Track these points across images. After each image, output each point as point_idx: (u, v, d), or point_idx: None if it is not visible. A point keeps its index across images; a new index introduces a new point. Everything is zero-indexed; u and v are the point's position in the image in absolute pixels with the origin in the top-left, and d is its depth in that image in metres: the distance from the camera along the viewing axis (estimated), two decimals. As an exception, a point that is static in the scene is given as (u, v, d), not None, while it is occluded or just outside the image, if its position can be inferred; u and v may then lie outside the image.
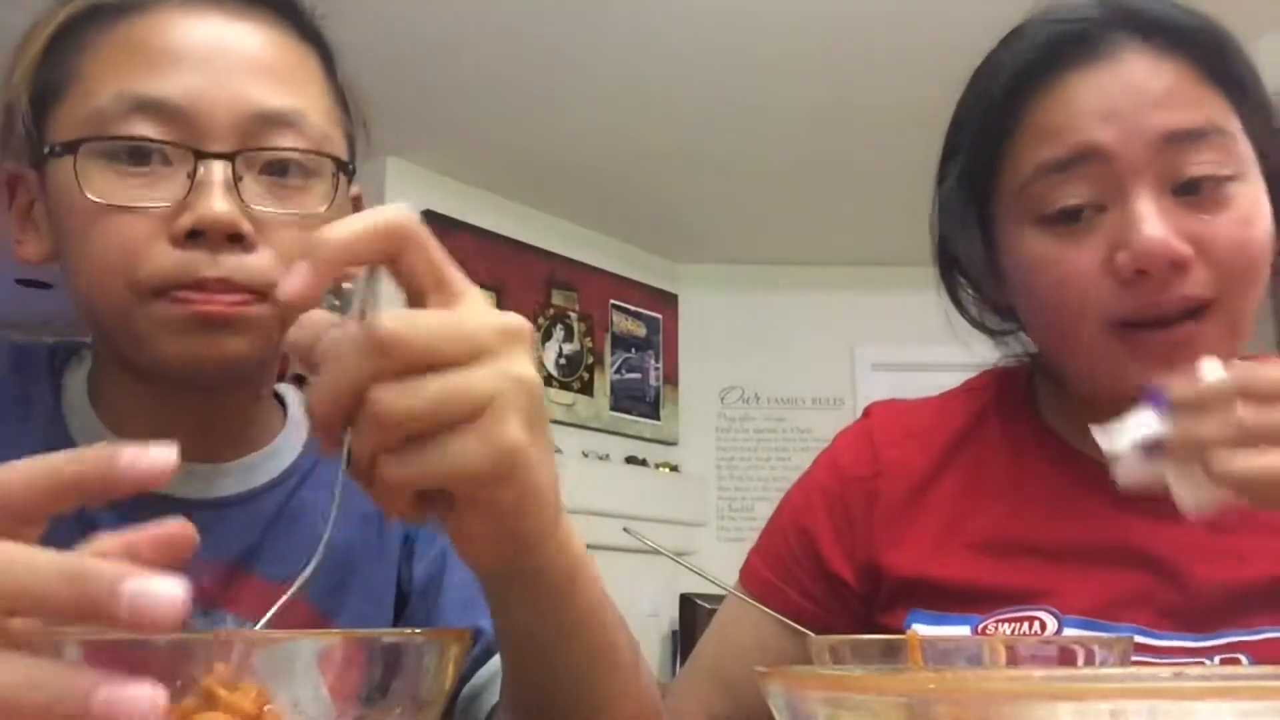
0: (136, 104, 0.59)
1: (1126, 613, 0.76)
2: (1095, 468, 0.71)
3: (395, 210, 0.41)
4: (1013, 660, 0.56)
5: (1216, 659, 0.74)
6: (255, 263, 0.59)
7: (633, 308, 4.45)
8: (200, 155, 0.59)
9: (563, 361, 4.13)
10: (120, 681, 0.29)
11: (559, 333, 4.15)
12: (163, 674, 0.31)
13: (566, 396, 4.10)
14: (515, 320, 0.43)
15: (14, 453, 0.64)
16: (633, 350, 4.42)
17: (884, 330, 4.41)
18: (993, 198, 0.81)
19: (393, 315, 0.39)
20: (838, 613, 0.85)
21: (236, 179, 0.59)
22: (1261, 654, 0.73)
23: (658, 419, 4.43)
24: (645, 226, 4.30)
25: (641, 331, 4.47)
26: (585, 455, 4.06)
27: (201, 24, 0.62)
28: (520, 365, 0.42)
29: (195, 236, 0.58)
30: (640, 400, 4.39)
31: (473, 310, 0.42)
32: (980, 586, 0.79)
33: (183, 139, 0.59)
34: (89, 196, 0.58)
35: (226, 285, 0.58)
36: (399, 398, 0.39)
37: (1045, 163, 0.75)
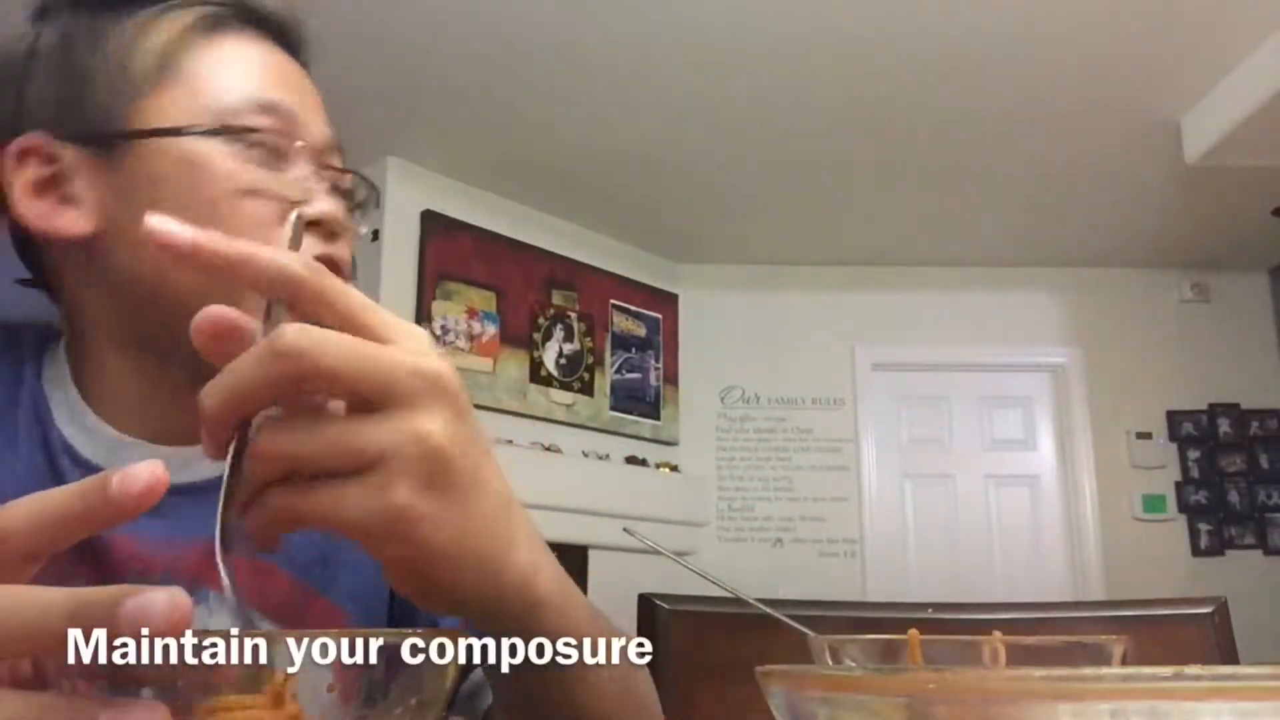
0: (262, 107, 0.66)
1: None
2: None
3: (287, 260, 0.40)
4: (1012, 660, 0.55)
5: None
6: (342, 254, 0.68)
7: (633, 308, 4.45)
8: (323, 166, 0.67)
9: (563, 361, 4.14)
10: (124, 706, 0.30)
11: (559, 333, 4.15)
12: (161, 679, 0.32)
13: (566, 396, 4.10)
14: (437, 367, 0.40)
15: (3, 433, 0.65)
16: (633, 350, 4.42)
17: (884, 330, 4.41)
18: None
19: (301, 328, 0.38)
20: None
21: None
22: None
23: (658, 419, 4.44)
24: (645, 226, 4.30)
25: (641, 331, 4.47)
26: (585, 455, 4.06)
27: (273, 52, 0.70)
28: (427, 421, 0.40)
29: (310, 226, 0.65)
30: (640, 400, 4.39)
31: (399, 348, 0.40)
32: None
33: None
34: (224, 180, 0.63)
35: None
36: (282, 437, 0.38)
37: None
